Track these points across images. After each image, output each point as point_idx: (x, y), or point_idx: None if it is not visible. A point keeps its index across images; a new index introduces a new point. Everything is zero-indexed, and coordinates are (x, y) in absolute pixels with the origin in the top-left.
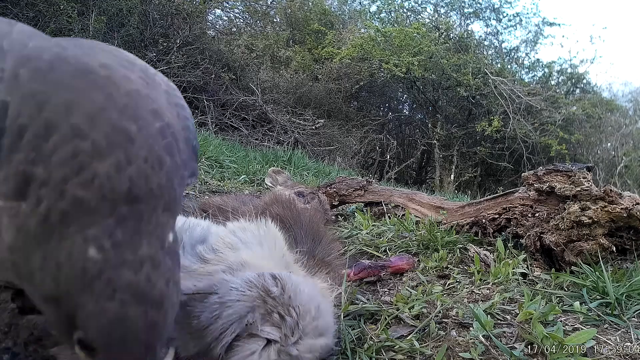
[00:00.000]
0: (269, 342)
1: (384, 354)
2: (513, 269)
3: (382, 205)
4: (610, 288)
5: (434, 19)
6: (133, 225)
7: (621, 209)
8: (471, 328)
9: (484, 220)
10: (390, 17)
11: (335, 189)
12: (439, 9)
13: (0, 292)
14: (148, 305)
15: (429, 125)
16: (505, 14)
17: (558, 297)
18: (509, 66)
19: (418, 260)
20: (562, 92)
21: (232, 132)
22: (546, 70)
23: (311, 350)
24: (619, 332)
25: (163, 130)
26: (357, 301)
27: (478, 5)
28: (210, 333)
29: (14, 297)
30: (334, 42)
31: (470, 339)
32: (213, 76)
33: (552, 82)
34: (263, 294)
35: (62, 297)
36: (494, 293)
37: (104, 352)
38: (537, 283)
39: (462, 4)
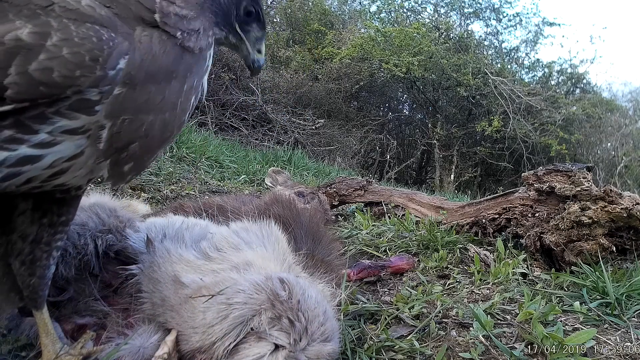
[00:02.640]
0: (277, 347)
1: (384, 354)
2: (513, 269)
3: (382, 205)
4: (610, 288)
5: (434, 19)
6: None
7: (621, 209)
8: (471, 328)
9: (484, 220)
10: (390, 17)
11: (335, 189)
12: (439, 9)
13: None
14: None
15: (429, 125)
16: (505, 14)
17: (558, 297)
18: (509, 66)
19: (418, 260)
20: (562, 92)
21: (232, 132)
22: (546, 70)
23: (319, 357)
24: (619, 332)
25: None
26: (357, 301)
27: (478, 5)
28: (215, 332)
29: None
30: (334, 42)
31: (470, 339)
32: (213, 76)
33: (552, 82)
34: (271, 297)
35: None
36: (494, 293)
37: (260, 6)
38: (537, 283)
39: (462, 4)
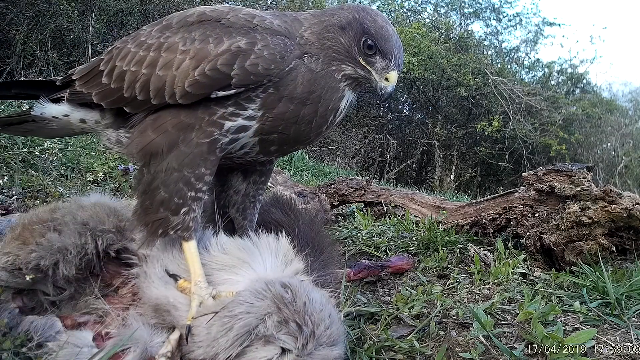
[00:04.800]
0: (284, 350)
1: (384, 354)
2: (513, 269)
3: (382, 205)
4: (610, 288)
5: (434, 19)
6: None
7: (621, 209)
8: (471, 328)
9: (484, 220)
10: (390, 17)
11: (335, 189)
12: (439, 9)
13: (1, 292)
14: (393, 30)
15: (429, 125)
16: (505, 14)
17: (558, 297)
18: (509, 66)
19: (418, 260)
20: (562, 92)
21: None
22: (546, 70)
23: None
24: (619, 332)
25: None
26: (357, 301)
27: (478, 5)
28: (220, 345)
29: (14, 296)
30: None
31: (470, 339)
32: None
33: (552, 82)
34: (277, 301)
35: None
36: (494, 293)
37: (379, 40)
38: (537, 283)
39: (462, 4)
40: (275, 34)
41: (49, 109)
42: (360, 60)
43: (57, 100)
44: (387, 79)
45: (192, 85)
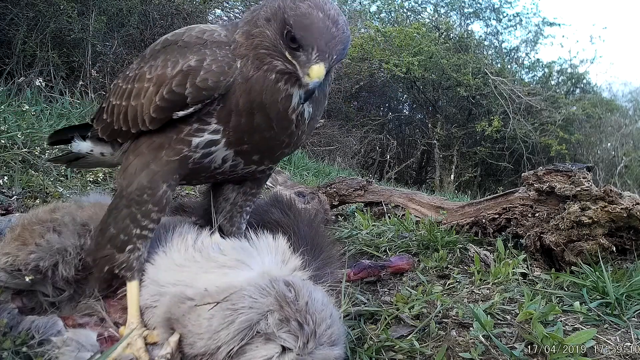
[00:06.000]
0: (284, 349)
1: (384, 354)
2: (513, 269)
3: (382, 205)
4: (610, 288)
5: (434, 19)
6: None
7: (621, 209)
8: (471, 328)
9: (484, 220)
10: (390, 17)
11: (335, 189)
12: (439, 9)
13: (1, 293)
14: (326, 15)
15: (429, 125)
16: (505, 14)
17: (558, 297)
18: (509, 66)
19: (418, 260)
20: (562, 92)
21: None
22: (546, 70)
23: None
24: (619, 332)
25: None
26: (357, 301)
27: (478, 5)
28: (220, 338)
29: (13, 297)
30: None
31: (470, 339)
32: None
33: (552, 82)
34: (279, 299)
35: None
36: (494, 293)
37: (297, 31)
38: (537, 283)
39: (462, 4)
40: (223, 45)
41: (81, 146)
42: (287, 54)
43: (85, 138)
44: (308, 75)
45: (155, 110)
